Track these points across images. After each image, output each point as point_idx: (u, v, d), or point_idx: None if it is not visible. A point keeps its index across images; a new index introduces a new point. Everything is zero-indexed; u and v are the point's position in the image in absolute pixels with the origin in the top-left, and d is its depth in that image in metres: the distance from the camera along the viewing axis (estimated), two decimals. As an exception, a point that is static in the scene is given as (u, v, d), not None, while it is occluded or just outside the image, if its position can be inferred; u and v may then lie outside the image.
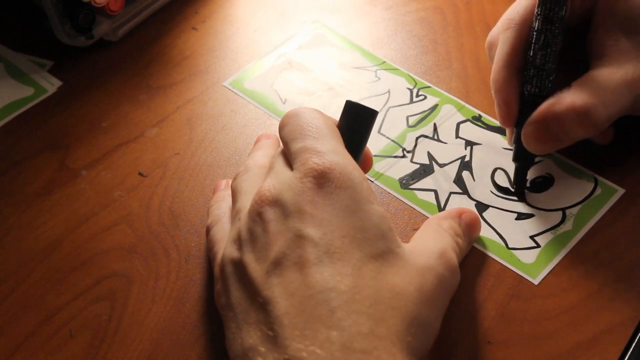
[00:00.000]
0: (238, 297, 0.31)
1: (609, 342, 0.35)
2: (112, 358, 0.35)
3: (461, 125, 0.45)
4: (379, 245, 0.30)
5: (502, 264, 0.38)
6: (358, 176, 0.32)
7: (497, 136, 0.44)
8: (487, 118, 0.45)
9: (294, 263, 0.29)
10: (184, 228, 0.40)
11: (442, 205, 0.41)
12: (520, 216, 0.40)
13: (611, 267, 0.38)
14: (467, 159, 0.43)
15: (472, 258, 0.38)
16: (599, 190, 0.41)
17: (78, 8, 0.48)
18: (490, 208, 0.40)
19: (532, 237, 0.39)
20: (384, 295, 0.29)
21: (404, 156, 0.43)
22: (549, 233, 0.39)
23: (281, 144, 0.35)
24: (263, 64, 0.50)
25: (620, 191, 0.41)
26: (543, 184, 0.41)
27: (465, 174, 0.42)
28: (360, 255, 0.30)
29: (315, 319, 0.28)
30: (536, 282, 0.37)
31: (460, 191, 0.41)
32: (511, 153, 0.42)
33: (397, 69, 0.49)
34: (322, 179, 0.31)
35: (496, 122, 0.45)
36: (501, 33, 0.41)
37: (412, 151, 0.44)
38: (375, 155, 0.43)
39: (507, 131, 0.43)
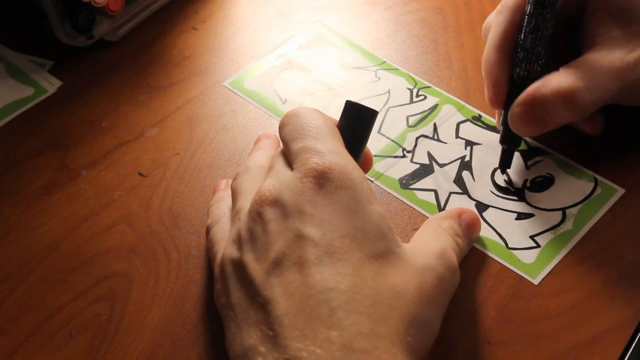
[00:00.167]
0: (238, 297, 0.31)
1: (609, 342, 0.35)
2: (112, 358, 0.35)
3: (461, 125, 0.45)
4: (379, 245, 0.30)
5: (502, 264, 0.38)
6: (358, 176, 0.32)
7: (497, 136, 0.44)
8: (487, 118, 0.45)
9: (294, 263, 0.29)
10: (184, 228, 0.40)
11: (442, 205, 0.41)
12: (520, 216, 0.40)
13: (611, 267, 0.38)
14: (467, 158, 0.43)
15: (472, 258, 0.38)
16: (599, 190, 0.41)
17: (78, 8, 0.48)
18: (490, 208, 0.40)
19: (532, 237, 0.39)
20: (384, 295, 0.29)
21: (404, 156, 0.43)
22: (549, 233, 0.39)
23: (281, 144, 0.35)
24: (263, 64, 0.50)
25: (621, 191, 0.41)
26: (543, 183, 0.41)
27: (465, 174, 0.42)
28: (360, 255, 0.30)
29: (315, 319, 0.28)
30: (536, 282, 0.37)
31: (460, 191, 0.41)
32: None
33: (397, 69, 0.49)
34: (322, 179, 0.31)
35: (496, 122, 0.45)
36: (495, 16, 0.41)
37: (412, 151, 0.44)
38: (375, 155, 0.43)
39: (496, 113, 0.44)
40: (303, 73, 0.49)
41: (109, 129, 0.46)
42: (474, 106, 0.46)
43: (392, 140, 0.44)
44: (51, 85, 0.49)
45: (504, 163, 0.42)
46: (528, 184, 0.41)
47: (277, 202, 0.31)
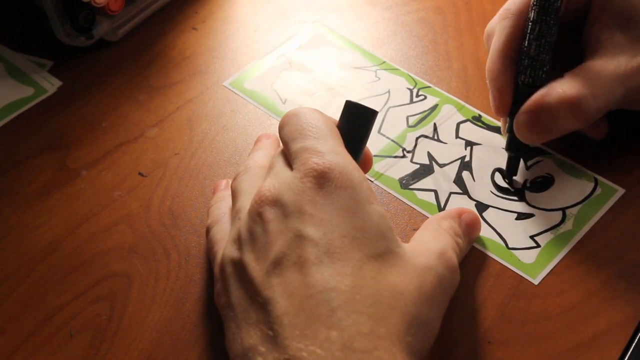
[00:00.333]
0: (238, 297, 0.31)
1: (609, 342, 0.35)
2: (112, 358, 0.35)
3: (461, 125, 0.45)
4: (379, 245, 0.30)
5: (502, 264, 0.38)
6: (358, 176, 0.32)
7: (497, 136, 0.44)
8: (487, 118, 0.45)
9: (294, 263, 0.29)
10: (184, 228, 0.40)
11: (442, 205, 0.41)
12: (520, 216, 0.40)
13: (611, 267, 0.38)
14: (467, 159, 0.43)
15: (472, 258, 0.38)
16: (599, 190, 0.41)
17: (78, 8, 0.48)
18: (490, 208, 0.40)
19: (532, 237, 0.39)
20: (384, 295, 0.29)
21: (404, 156, 0.43)
22: (549, 233, 0.39)
23: (281, 144, 0.35)
24: (263, 64, 0.50)
25: (621, 191, 0.41)
26: (543, 183, 0.41)
27: (465, 174, 0.42)
28: (360, 255, 0.30)
29: (315, 319, 0.28)
30: (536, 282, 0.37)
31: (460, 191, 0.41)
32: None
33: (397, 69, 0.49)
34: (322, 179, 0.31)
35: (496, 122, 0.45)
36: (498, 23, 0.41)
37: (412, 151, 0.44)
38: (375, 155, 0.43)
39: (502, 121, 0.44)
40: (303, 73, 0.49)
41: (109, 129, 0.46)
42: (474, 106, 0.46)
43: (392, 140, 0.44)
44: (51, 85, 0.49)
45: (510, 170, 0.42)
46: (528, 184, 0.41)
47: (277, 202, 0.31)
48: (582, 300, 0.36)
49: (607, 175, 0.42)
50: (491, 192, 0.41)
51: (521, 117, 0.39)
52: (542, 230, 0.39)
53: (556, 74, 0.39)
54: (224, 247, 0.33)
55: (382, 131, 0.45)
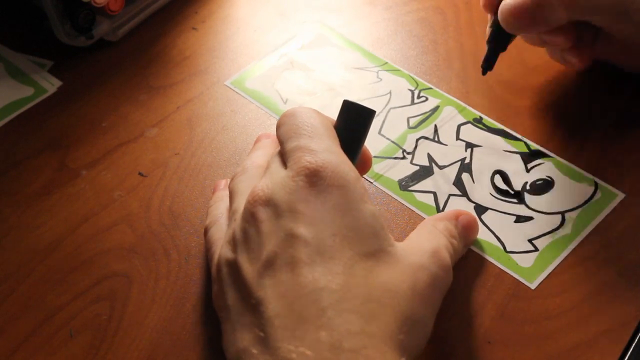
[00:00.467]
0: (233, 298, 0.31)
1: (609, 342, 0.35)
2: (112, 358, 0.35)
3: (462, 127, 0.45)
4: (371, 244, 0.30)
5: (499, 267, 0.38)
6: (351, 175, 0.31)
7: (498, 138, 0.44)
8: (488, 120, 0.45)
9: (286, 263, 0.29)
10: (184, 228, 0.40)
11: (441, 207, 0.41)
12: (519, 219, 0.40)
13: (611, 268, 0.38)
14: (467, 160, 0.43)
15: (472, 258, 0.38)
16: (598, 194, 0.41)
17: (78, 8, 0.48)
18: (489, 210, 0.40)
19: (530, 241, 0.39)
20: (376, 294, 0.29)
21: (404, 157, 0.43)
22: (547, 236, 0.39)
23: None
24: (264, 64, 0.50)
25: (621, 195, 0.41)
26: (543, 187, 0.41)
27: (464, 176, 0.42)
28: (351, 253, 0.29)
29: (306, 319, 0.28)
30: (533, 286, 0.37)
31: (460, 193, 0.41)
32: (511, 155, 0.42)
33: (398, 70, 0.49)
34: (314, 177, 0.31)
35: (497, 125, 0.45)
36: None
37: (412, 153, 0.44)
38: (375, 157, 0.43)
39: (489, 17, 0.44)
40: (304, 73, 0.49)
41: (109, 129, 0.46)
42: (474, 108, 0.46)
43: (392, 142, 0.44)
44: (51, 85, 0.49)
45: (487, 65, 0.43)
46: (528, 187, 0.41)
47: (269, 202, 0.31)
48: (582, 300, 0.36)
49: (607, 177, 0.42)
50: (490, 194, 0.41)
51: (505, 5, 0.40)
52: (540, 233, 0.39)
53: None
54: (220, 248, 0.33)
55: (382, 132, 0.45)
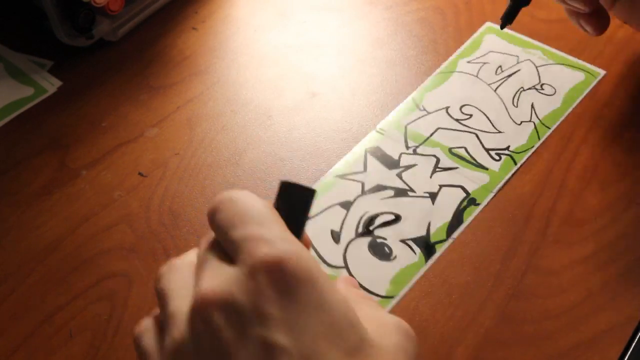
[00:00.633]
0: None
1: (609, 342, 0.35)
2: (112, 358, 0.35)
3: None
4: (352, 338, 0.27)
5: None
6: (314, 263, 0.27)
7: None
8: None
9: None
10: (184, 228, 0.40)
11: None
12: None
13: (611, 267, 0.38)
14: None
15: (471, 258, 0.38)
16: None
17: (78, 8, 0.48)
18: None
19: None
20: None
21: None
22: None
23: (203, 239, 0.31)
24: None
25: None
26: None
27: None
28: (337, 355, 0.26)
29: None
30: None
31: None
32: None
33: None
34: (277, 273, 0.26)
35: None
36: None
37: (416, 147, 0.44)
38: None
39: None
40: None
41: (109, 129, 0.46)
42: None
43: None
44: (51, 85, 0.49)
45: (507, 19, 0.44)
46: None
47: (226, 305, 0.26)
48: (582, 300, 0.36)
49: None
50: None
51: None
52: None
53: None
54: None
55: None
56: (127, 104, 0.48)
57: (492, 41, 0.51)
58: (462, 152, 0.44)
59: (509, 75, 0.48)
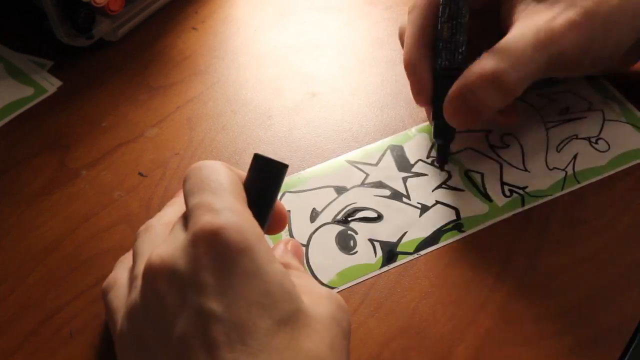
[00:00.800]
0: None
1: (609, 342, 0.35)
2: (112, 358, 0.35)
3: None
4: (287, 307, 0.28)
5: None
6: (255, 235, 0.28)
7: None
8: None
9: (202, 344, 0.26)
10: (184, 228, 0.40)
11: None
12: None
13: (611, 267, 0.38)
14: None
15: (472, 258, 0.38)
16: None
17: (78, 8, 0.48)
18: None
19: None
20: None
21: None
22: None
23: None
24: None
25: None
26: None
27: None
28: (269, 323, 0.27)
29: None
30: None
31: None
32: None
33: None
34: (215, 242, 0.27)
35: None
36: (407, 18, 0.41)
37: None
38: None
39: (425, 110, 0.44)
40: None
41: (109, 129, 0.46)
42: None
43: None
44: (51, 85, 0.49)
45: (442, 158, 0.42)
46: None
47: (170, 271, 0.28)
48: (582, 300, 0.36)
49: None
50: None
51: (448, 104, 0.38)
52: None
53: (475, 58, 0.39)
54: (121, 320, 0.30)
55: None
56: (127, 104, 0.48)
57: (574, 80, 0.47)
58: (476, 177, 0.42)
59: (571, 120, 0.44)
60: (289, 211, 0.41)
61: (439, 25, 0.40)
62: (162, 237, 0.32)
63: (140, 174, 0.44)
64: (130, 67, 0.51)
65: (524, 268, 0.38)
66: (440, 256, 0.39)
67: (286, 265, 0.32)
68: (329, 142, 0.45)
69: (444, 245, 0.39)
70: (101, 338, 0.36)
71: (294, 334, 0.27)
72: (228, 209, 0.28)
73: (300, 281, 0.30)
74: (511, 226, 0.40)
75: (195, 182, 0.30)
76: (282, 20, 0.54)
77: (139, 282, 0.29)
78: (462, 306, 0.36)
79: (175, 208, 0.35)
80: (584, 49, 0.38)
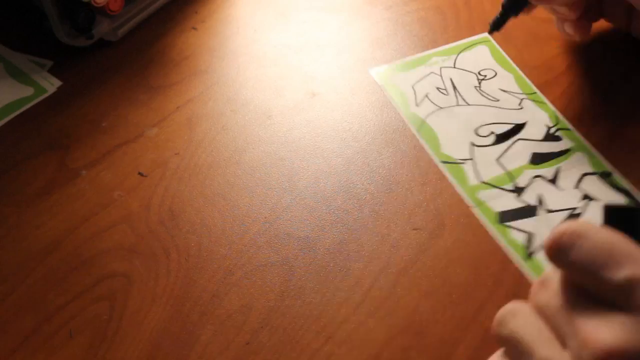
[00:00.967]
0: None
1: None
2: (112, 358, 0.35)
3: (586, 177, 0.42)
4: None
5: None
6: None
7: (622, 199, 0.41)
8: (617, 178, 0.42)
9: None
10: (183, 228, 0.40)
11: (531, 250, 0.38)
12: None
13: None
14: (578, 211, 0.40)
15: (472, 258, 0.38)
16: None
17: (78, 8, 0.48)
18: None
19: None
20: None
21: (513, 191, 0.41)
22: None
23: (535, 283, 0.28)
24: (414, 63, 0.49)
25: None
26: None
27: None
28: None
29: None
30: None
31: None
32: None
33: (544, 104, 0.46)
34: None
35: (625, 184, 0.41)
36: None
37: (523, 189, 0.41)
38: (484, 182, 0.42)
39: None
40: (448, 83, 0.48)
41: (109, 129, 0.46)
42: (609, 161, 0.43)
43: (508, 172, 0.42)
44: (51, 85, 0.49)
45: (495, 26, 0.44)
46: None
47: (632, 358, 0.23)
48: (582, 300, 0.36)
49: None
50: None
51: None
52: None
53: None
54: None
55: (500, 160, 0.43)
56: (127, 104, 0.48)
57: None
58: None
59: None
60: None
61: None
62: (539, 320, 0.27)
63: (140, 174, 0.44)
64: (130, 67, 0.51)
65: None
66: (440, 256, 0.39)
67: None
68: (329, 142, 0.45)
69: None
70: (101, 338, 0.36)
71: None
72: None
73: None
74: (511, 226, 0.40)
75: (599, 252, 0.26)
76: (282, 20, 0.54)
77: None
78: (462, 306, 0.36)
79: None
80: None
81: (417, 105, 0.47)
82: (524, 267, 0.38)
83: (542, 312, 0.28)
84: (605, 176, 0.42)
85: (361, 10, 0.54)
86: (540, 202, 0.41)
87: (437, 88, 0.47)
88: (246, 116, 0.47)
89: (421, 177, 0.43)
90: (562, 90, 0.47)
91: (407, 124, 0.46)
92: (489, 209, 0.41)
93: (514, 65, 0.50)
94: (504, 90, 0.48)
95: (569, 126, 0.45)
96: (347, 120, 0.46)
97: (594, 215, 0.40)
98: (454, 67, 0.49)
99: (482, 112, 0.46)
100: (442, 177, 0.43)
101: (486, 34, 0.51)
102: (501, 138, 0.44)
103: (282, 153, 0.44)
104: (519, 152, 0.44)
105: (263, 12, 0.55)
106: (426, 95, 0.47)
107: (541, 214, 0.40)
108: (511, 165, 0.43)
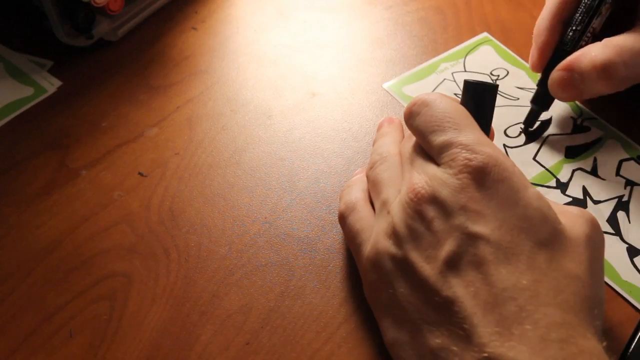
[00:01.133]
0: (407, 295, 0.31)
1: (609, 342, 0.35)
2: (112, 358, 0.35)
3: (624, 163, 0.43)
4: (545, 229, 0.30)
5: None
6: (510, 164, 0.31)
7: None
8: None
9: (470, 262, 0.29)
10: (184, 228, 0.40)
11: None
12: None
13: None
14: (625, 198, 0.41)
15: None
16: None
17: (78, 8, 0.48)
18: None
19: None
20: (563, 283, 0.29)
21: (557, 187, 0.42)
22: None
23: (407, 134, 0.35)
24: (424, 73, 0.49)
25: None
26: None
27: (620, 215, 0.40)
28: (530, 245, 0.29)
29: (506, 317, 0.28)
30: None
31: (613, 232, 0.39)
32: None
33: None
34: (479, 174, 0.30)
35: None
36: None
37: (567, 183, 0.42)
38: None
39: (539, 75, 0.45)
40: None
41: (109, 129, 0.46)
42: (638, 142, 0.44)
43: (547, 169, 0.43)
44: (51, 85, 0.49)
45: (530, 122, 0.44)
46: None
47: (435, 200, 0.31)
48: (582, 300, 0.36)
49: None
50: None
51: (555, 75, 0.41)
52: None
53: (602, 37, 0.40)
54: (375, 241, 0.33)
55: (537, 158, 0.43)
56: (127, 104, 0.48)
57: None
58: None
59: None
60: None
61: (580, 6, 0.41)
62: (397, 167, 0.35)
63: (140, 174, 0.44)
64: (130, 67, 0.51)
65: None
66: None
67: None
68: (329, 142, 0.45)
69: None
70: (101, 338, 0.36)
71: (553, 255, 0.29)
72: (479, 144, 0.31)
73: (554, 204, 0.32)
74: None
75: (430, 119, 0.33)
76: (282, 20, 0.54)
77: (394, 208, 0.33)
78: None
79: (390, 139, 0.38)
80: None
81: None
82: None
83: (402, 159, 0.35)
84: None
85: (361, 10, 0.54)
86: (586, 194, 0.41)
87: (455, 94, 0.47)
88: (246, 116, 0.47)
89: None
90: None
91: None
92: None
93: (522, 61, 0.50)
94: (521, 88, 0.48)
95: (594, 115, 0.46)
96: (347, 120, 0.46)
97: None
98: (465, 71, 0.49)
99: (505, 112, 0.46)
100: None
101: (486, 34, 0.51)
102: (532, 136, 0.44)
103: (282, 153, 0.44)
104: (553, 147, 0.44)
105: (263, 12, 0.55)
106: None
107: (590, 206, 0.41)
108: (549, 162, 0.43)
